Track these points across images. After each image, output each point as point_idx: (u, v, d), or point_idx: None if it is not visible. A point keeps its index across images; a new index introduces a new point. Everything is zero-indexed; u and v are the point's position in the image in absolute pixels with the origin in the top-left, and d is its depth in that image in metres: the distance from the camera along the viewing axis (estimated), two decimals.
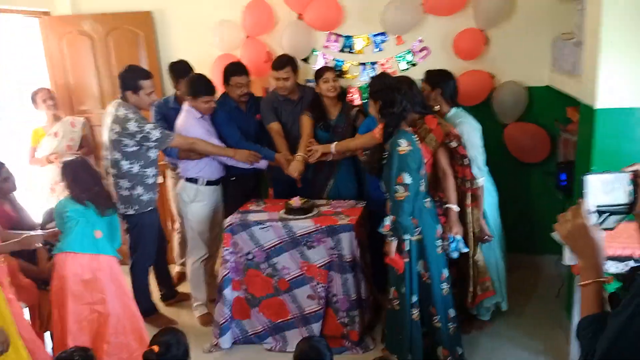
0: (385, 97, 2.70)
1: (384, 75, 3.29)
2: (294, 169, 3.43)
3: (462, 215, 2.94)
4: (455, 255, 2.89)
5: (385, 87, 2.80)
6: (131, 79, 3.29)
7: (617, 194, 1.25)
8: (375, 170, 2.85)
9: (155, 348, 2.16)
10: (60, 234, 2.92)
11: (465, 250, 2.93)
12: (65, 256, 2.85)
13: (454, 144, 2.83)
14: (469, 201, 2.94)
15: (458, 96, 3.20)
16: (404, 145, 2.59)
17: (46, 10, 4.28)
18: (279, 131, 3.67)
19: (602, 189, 1.24)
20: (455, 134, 2.86)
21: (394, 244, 2.70)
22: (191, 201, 3.54)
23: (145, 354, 2.17)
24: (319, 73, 3.59)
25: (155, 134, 3.25)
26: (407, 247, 2.71)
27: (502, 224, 3.26)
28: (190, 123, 3.45)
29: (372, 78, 3.21)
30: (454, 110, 3.09)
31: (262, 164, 3.59)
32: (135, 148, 3.29)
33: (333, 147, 3.38)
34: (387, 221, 2.69)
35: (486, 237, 3.02)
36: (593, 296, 1.20)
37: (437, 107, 3.10)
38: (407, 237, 2.68)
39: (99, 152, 4.31)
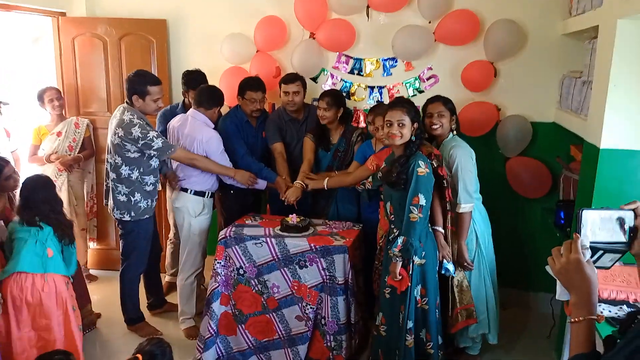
0: (420, 121, 2.77)
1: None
2: (291, 194, 3.43)
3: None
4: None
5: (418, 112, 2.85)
6: (139, 83, 3.27)
7: (613, 231, 1.22)
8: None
9: (139, 357, 2.12)
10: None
11: (452, 274, 2.94)
12: (9, 277, 2.72)
13: (435, 164, 2.84)
14: (448, 223, 2.94)
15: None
16: (423, 167, 2.64)
17: (63, 10, 4.32)
18: (281, 153, 3.66)
19: (598, 225, 1.21)
20: (437, 154, 2.88)
21: (399, 265, 2.68)
22: (197, 214, 3.52)
23: None
24: (319, 97, 3.57)
25: (158, 142, 3.23)
26: (410, 271, 2.70)
27: (496, 257, 3.20)
28: (213, 135, 3.45)
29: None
30: (451, 135, 3.11)
31: (261, 184, 3.58)
32: (137, 154, 3.27)
33: (325, 183, 3.38)
34: (399, 241, 2.67)
35: (466, 264, 2.99)
36: (584, 334, 1.16)
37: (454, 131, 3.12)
38: (416, 259, 2.68)
39: (100, 155, 4.32)
